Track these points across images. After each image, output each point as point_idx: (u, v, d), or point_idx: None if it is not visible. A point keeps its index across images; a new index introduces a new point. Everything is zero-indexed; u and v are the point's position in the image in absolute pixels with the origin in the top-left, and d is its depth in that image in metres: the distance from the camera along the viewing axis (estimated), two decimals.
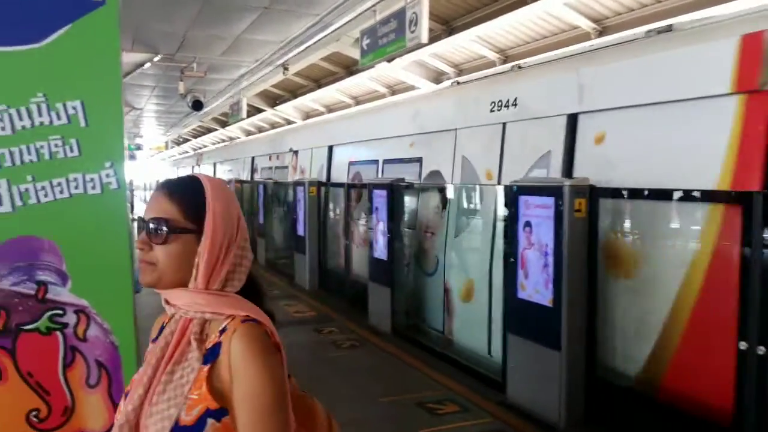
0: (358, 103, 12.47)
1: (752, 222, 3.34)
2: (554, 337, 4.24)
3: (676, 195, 3.90)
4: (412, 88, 10.14)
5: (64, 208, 1.75)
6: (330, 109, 13.66)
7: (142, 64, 10.71)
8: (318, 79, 12.43)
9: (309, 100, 13.50)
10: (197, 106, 12.53)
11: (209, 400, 1.18)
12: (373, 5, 7.08)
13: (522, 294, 4.55)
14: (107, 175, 1.78)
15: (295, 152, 12.24)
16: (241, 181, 14.51)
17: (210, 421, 1.17)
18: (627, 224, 4.35)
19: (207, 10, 7.82)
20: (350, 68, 10.88)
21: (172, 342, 1.26)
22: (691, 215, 3.94)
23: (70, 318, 1.84)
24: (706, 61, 3.94)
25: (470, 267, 6.15)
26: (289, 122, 15.75)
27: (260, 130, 18.62)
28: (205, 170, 23.05)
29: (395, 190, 6.82)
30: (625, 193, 4.23)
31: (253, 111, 15.62)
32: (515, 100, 5.66)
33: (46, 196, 1.75)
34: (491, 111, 5.95)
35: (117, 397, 1.91)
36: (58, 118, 1.74)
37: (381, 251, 6.97)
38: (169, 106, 17.87)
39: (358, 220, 8.38)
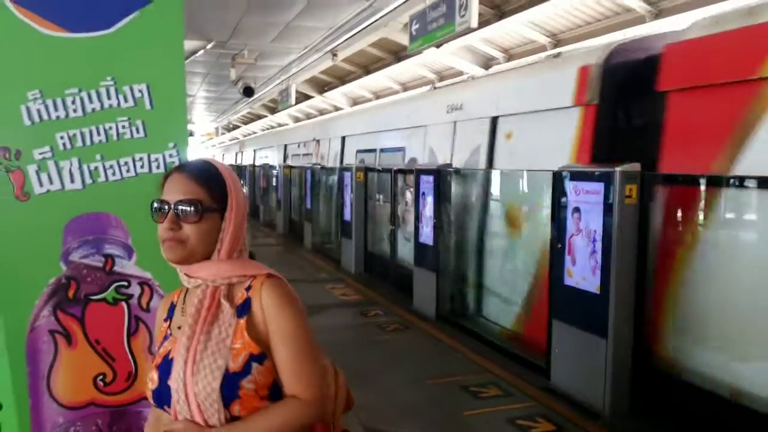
0: (405, 89, 12.47)
1: None
2: (601, 325, 4.21)
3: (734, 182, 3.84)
4: (460, 73, 10.09)
5: (130, 186, 1.86)
6: (378, 96, 13.70)
7: (195, 52, 10.98)
8: (366, 66, 12.48)
9: (357, 87, 13.56)
10: (248, 92, 12.77)
11: (252, 346, 1.34)
12: None
13: (569, 280, 4.52)
14: (170, 156, 1.89)
15: (318, 141, 14.26)
16: (290, 167, 14.75)
17: (254, 365, 1.33)
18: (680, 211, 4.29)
19: None
20: (398, 54, 10.89)
21: (203, 308, 1.38)
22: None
23: (135, 289, 1.96)
24: (562, 84, 5.47)
25: (517, 253, 6.13)
26: (337, 108, 15.89)
27: (308, 116, 18.85)
28: (247, 155, 25.30)
29: (442, 176, 6.84)
30: (681, 179, 4.19)
31: (302, 97, 15.80)
32: (461, 105, 7.29)
33: (113, 174, 1.86)
34: (447, 113, 7.59)
35: None
36: (125, 100, 1.84)
37: (426, 236, 7.01)
38: (219, 92, 18.25)
39: (405, 205, 8.43)
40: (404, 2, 7.68)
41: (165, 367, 1.39)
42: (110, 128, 1.85)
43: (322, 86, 15.22)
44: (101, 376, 1.97)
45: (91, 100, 1.83)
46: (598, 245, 4.24)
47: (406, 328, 6.46)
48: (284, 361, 1.36)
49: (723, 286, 3.97)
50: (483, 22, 7.53)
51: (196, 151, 36.80)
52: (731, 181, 3.93)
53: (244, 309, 1.39)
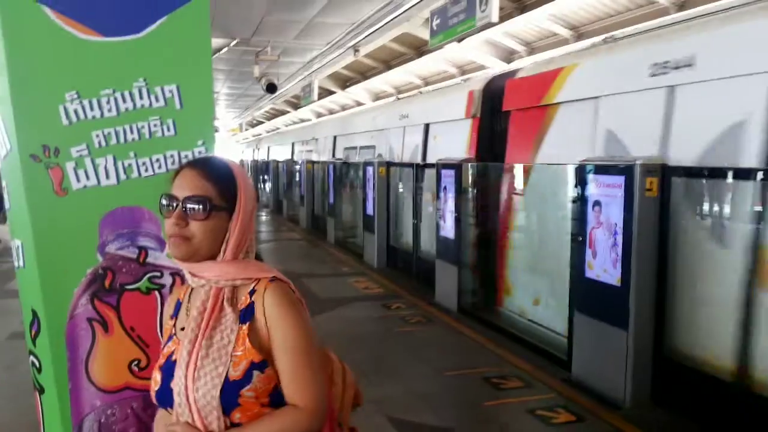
0: (427, 84, 12.49)
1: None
2: (621, 316, 4.24)
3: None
4: (482, 67, 10.09)
5: (161, 181, 1.94)
6: (399, 91, 13.73)
7: (219, 50, 11.14)
8: (388, 61, 12.52)
9: (379, 82, 13.61)
10: (271, 88, 12.89)
11: (254, 354, 1.33)
12: None
13: (589, 273, 4.55)
14: (199, 152, 1.98)
15: (316, 139, 16.72)
16: (313, 162, 14.91)
17: (255, 372, 1.32)
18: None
19: None
20: (420, 49, 10.91)
21: (207, 311, 1.37)
22: None
23: (167, 280, 2.05)
24: (459, 102, 7.70)
25: (538, 246, 6.15)
26: (359, 104, 15.97)
27: (331, 111, 18.98)
28: (263, 151, 27.58)
29: (463, 170, 6.88)
30: (704, 171, 4.20)
31: (324, 93, 15.89)
32: (408, 114, 9.81)
33: (146, 170, 1.95)
34: (399, 120, 10.11)
35: None
36: (157, 100, 1.93)
37: (448, 230, 7.06)
38: (243, 89, 18.44)
39: (426, 199, 8.49)
40: None
41: (168, 369, 1.39)
42: (143, 127, 1.94)
43: (344, 82, 15.31)
44: (136, 362, 2.06)
45: (124, 101, 1.92)
46: (619, 238, 4.26)
47: (427, 320, 6.52)
48: (285, 369, 1.35)
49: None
50: (504, 16, 7.54)
51: (224, 146, 37.16)
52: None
53: (246, 315, 1.37)
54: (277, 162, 19.75)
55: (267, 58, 11.55)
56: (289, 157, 19.45)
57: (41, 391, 2.06)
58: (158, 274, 2.05)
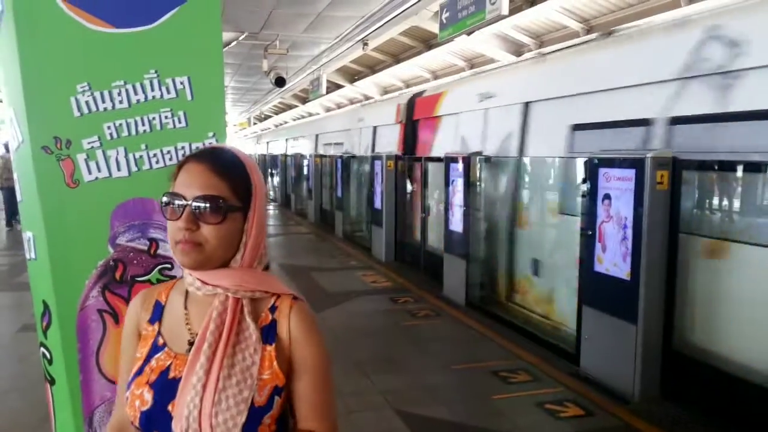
0: (436, 77, 12.44)
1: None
2: (631, 311, 4.22)
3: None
4: (491, 61, 10.03)
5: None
6: (408, 84, 13.70)
7: (228, 44, 11.13)
8: (397, 54, 12.47)
9: (388, 76, 13.58)
10: (280, 82, 12.88)
11: (279, 378, 1.19)
12: None
13: (599, 267, 4.53)
14: (210, 144, 1.98)
15: (303, 136, 20.31)
16: (321, 156, 14.93)
17: (276, 398, 1.18)
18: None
19: None
20: (429, 42, 10.86)
21: (226, 324, 1.19)
22: None
23: (177, 271, 2.05)
24: (392, 112, 10.72)
25: (546, 240, 6.13)
26: (366, 98, 15.96)
27: (339, 105, 19.01)
28: (262, 146, 30.17)
29: (471, 163, 6.86)
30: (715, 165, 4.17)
31: (333, 87, 15.88)
32: (363, 118, 13.20)
33: (157, 162, 1.95)
34: (357, 122, 13.48)
35: None
36: (168, 92, 1.93)
37: (456, 224, 7.05)
38: (252, 83, 18.43)
39: (434, 192, 8.49)
40: None
41: (164, 388, 1.18)
42: (154, 119, 1.94)
43: (352, 75, 15.27)
44: None
45: (135, 92, 1.92)
46: (629, 232, 4.24)
47: (435, 314, 6.52)
48: (305, 392, 1.22)
49: None
50: (514, 9, 7.47)
51: (233, 140, 37.26)
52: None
53: (270, 333, 1.21)
54: (285, 156, 19.86)
55: (276, 52, 11.53)
56: (283, 152, 22.25)
57: (52, 382, 2.07)
58: (169, 265, 2.05)
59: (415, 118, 9.79)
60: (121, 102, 1.92)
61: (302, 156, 17.50)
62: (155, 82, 1.91)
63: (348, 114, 15.24)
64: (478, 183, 6.87)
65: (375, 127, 12.05)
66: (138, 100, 1.92)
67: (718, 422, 3.91)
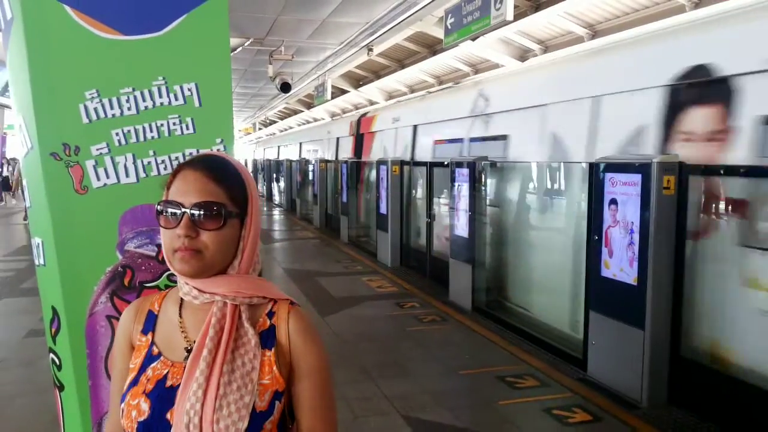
0: (441, 82, 12.45)
1: None
2: (638, 316, 4.20)
3: None
4: (496, 66, 10.04)
5: None
6: (412, 89, 13.73)
7: (234, 49, 11.17)
8: (401, 60, 12.50)
9: (392, 81, 13.62)
10: (285, 88, 12.92)
11: (279, 383, 1.20)
12: None
13: (605, 272, 4.51)
14: (218, 150, 1.99)
15: (291, 144, 23.72)
16: (326, 161, 14.98)
17: (276, 403, 1.19)
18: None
19: None
20: (434, 48, 10.88)
21: (225, 329, 1.19)
22: None
23: None
24: (347, 127, 15.19)
25: (551, 244, 6.12)
26: (371, 103, 16.02)
27: (344, 111, 19.07)
28: (260, 152, 33.78)
29: (477, 169, 6.86)
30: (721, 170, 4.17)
31: (338, 92, 15.92)
32: (330, 131, 17.26)
33: (165, 168, 1.96)
34: (327, 133, 17.48)
35: None
36: (176, 99, 1.94)
37: (462, 229, 7.04)
38: (257, 89, 18.50)
39: (440, 197, 8.49)
40: None
41: (162, 397, 1.17)
42: (162, 125, 1.94)
43: (357, 81, 15.30)
44: None
45: (144, 99, 1.93)
46: (636, 237, 4.23)
47: (441, 319, 6.51)
48: (306, 396, 1.23)
49: None
50: (519, 14, 7.48)
51: (237, 146, 37.34)
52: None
53: (269, 339, 1.22)
54: (291, 161, 19.95)
55: (281, 58, 11.57)
56: (276, 157, 26.27)
57: (61, 388, 2.07)
58: None
59: (361, 132, 13.67)
60: (129, 109, 1.93)
61: (307, 161, 17.83)
62: (163, 88, 1.92)
63: (320, 127, 19.81)
64: (483, 188, 6.90)
65: (338, 138, 16.02)
66: (146, 107, 1.93)
67: (726, 428, 3.89)
